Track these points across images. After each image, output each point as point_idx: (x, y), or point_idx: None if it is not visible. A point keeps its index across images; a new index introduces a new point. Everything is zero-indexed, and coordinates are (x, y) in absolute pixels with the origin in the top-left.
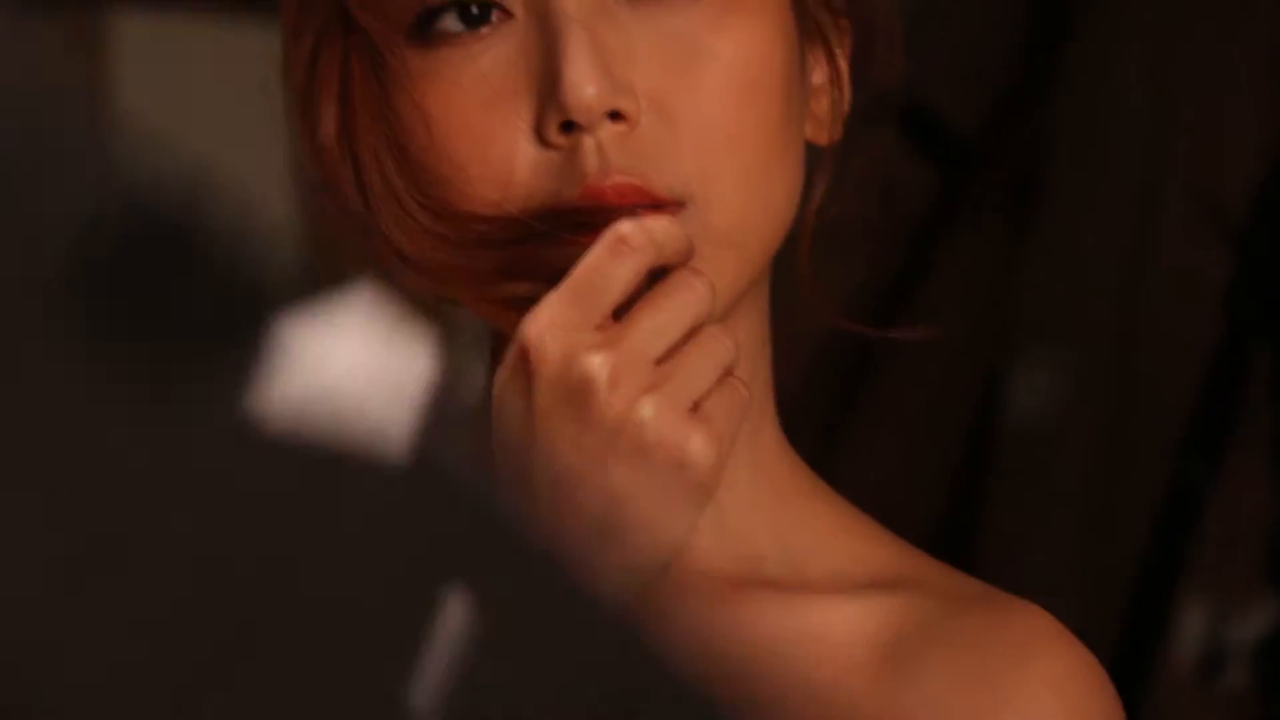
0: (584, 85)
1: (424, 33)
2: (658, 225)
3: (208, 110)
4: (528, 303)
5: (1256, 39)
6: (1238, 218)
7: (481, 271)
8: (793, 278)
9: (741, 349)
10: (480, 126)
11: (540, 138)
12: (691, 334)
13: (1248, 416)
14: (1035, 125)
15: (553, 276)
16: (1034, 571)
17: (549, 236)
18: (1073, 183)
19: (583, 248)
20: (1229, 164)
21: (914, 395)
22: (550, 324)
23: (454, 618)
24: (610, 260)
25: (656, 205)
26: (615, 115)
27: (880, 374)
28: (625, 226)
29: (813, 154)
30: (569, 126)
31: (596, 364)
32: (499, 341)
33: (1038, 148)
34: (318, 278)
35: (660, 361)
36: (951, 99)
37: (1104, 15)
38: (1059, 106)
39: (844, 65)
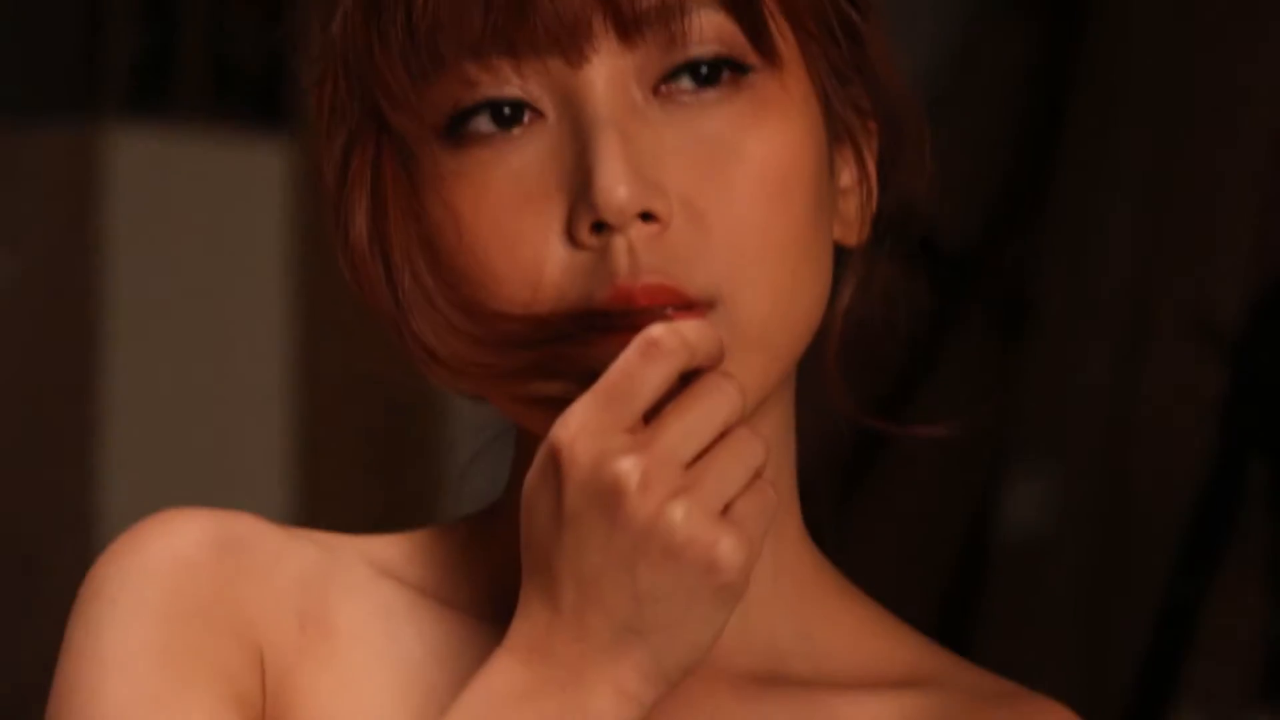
0: (616, 186)
1: (456, 133)
2: (689, 328)
3: (200, 222)
4: (557, 402)
5: (1248, 154)
6: (1231, 332)
7: (511, 371)
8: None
9: (767, 447)
10: (511, 226)
11: (571, 238)
12: (722, 436)
13: (1242, 531)
14: (1029, 242)
15: (583, 376)
16: (1028, 685)
17: (579, 337)
18: (1066, 298)
19: (613, 348)
20: (1221, 278)
21: (906, 510)
22: (581, 427)
23: None
24: (642, 364)
25: (687, 305)
26: (647, 216)
27: (870, 489)
28: (657, 330)
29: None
30: (600, 227)
31: (627, 467)
32: (524, 438)
33: (1031, 264)
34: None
35: (690, 464)
36: (945, 216)
37: (1096, 134)
38: (1052, 223)
39: (872, 167)
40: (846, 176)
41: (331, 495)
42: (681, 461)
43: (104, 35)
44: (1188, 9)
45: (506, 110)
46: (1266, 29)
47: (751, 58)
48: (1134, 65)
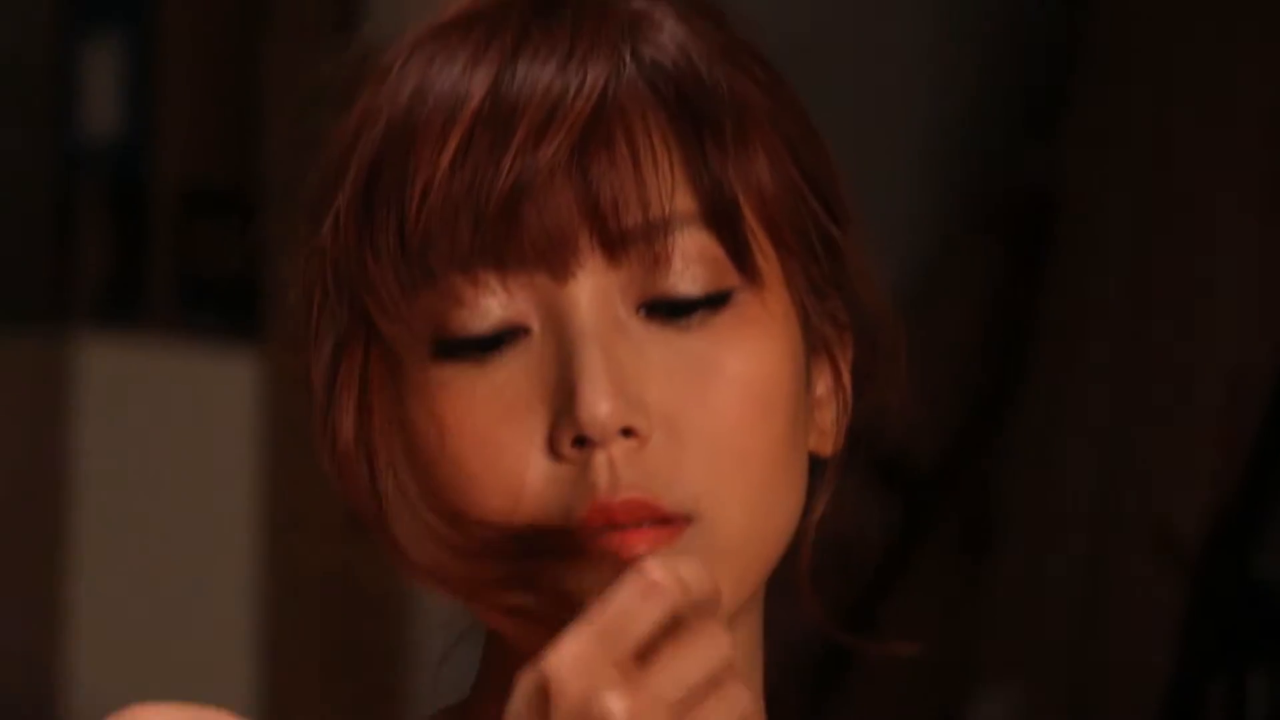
0: (599, 403)
1: (443, 345)
2: (689, 573)
3: (168, 431)
4: (530, 614)
5: (1211, 377)
6: (1192, 549)
7: (488, 580)
8: None
9: (753, 697)
10: (493, 438)
11: (552, 450)
12: (710, 683)
13: None
14: (994, 458)
15: (559, 594)
16: None
17: (557, 552)
18: (1028, 517)
19: (591, 563)
20: (1183, 495)
21: None
22: (574, 659)
23: None
24: (640, 603)
25: (664, 520)
26: (627, 432)
27: (838, 704)
28: (657, 573)
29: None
30: (582, 441)
31: (616, 706)
32: (495, 639)
33: (996, 481)
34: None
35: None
36: (912, 431)
37: (1061, 351)
38: (1017, 440)
39: (847, 378)
40: (822, 387)
41: (296, 697)
42: (669, 705)
43: (74, 246)
44: (1150, 227)
45: (491, 341)
46: (1214, 241)
47: (733, 278)
48: (1099, 284)
